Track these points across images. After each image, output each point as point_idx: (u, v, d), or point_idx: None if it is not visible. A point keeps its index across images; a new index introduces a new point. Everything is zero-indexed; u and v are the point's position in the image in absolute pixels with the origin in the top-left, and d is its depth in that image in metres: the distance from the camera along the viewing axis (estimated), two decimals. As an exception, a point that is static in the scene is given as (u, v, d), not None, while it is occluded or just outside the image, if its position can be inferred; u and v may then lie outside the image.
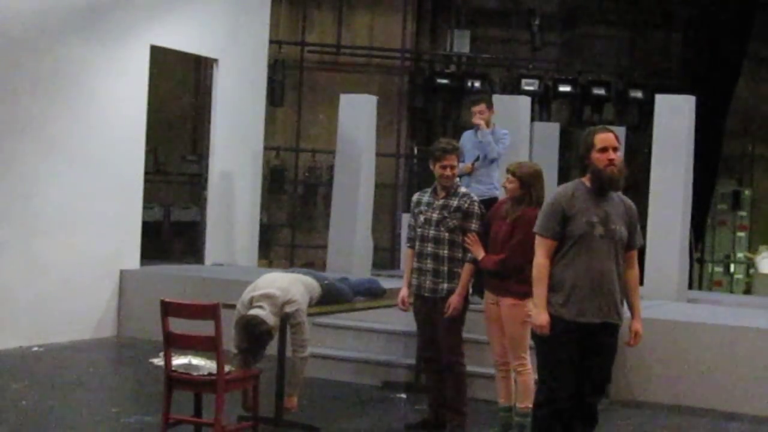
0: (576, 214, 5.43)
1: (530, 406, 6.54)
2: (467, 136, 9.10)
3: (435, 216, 6.84)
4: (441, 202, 6.87)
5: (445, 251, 6.80)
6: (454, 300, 6.75)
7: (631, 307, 5.63)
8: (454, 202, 6.83)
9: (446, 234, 6.79)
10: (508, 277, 6.54)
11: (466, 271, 6.80)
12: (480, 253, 6.71)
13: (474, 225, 6.79)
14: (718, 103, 15.47)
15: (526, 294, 6.47)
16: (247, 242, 12.38)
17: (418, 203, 7.01)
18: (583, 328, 5.41)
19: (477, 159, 8.94)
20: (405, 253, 7.21)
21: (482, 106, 8.94)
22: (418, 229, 6.93)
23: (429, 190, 7.04)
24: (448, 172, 6.84)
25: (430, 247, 6.84)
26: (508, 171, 6.73)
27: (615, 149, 5.42)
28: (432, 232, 6.84)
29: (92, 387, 8.32)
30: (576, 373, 5.45)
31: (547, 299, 5.45)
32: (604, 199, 5.47)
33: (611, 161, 5.41)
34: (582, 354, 5.44)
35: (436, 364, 6.94)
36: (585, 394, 5.49)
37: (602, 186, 5.46)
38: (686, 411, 8.09)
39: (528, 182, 6.62)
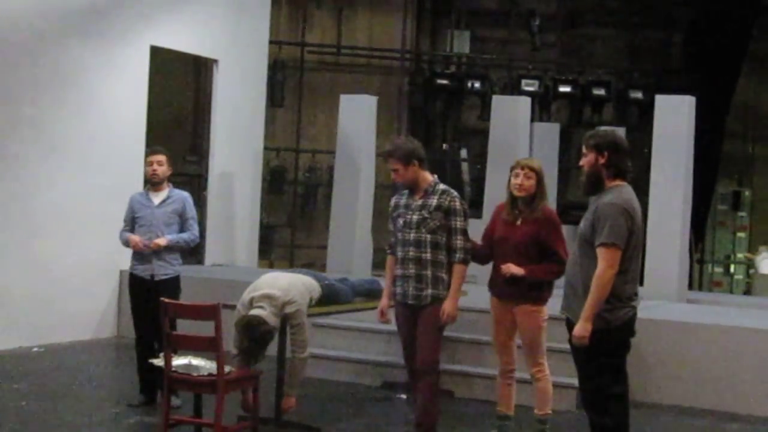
0: None
1: (549, 412, 6.56)
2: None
3: (414, 218, 6.36)
4: (419, 202, 6.39)
5: (428, 254, 6.31)
6: (448, 306, 6.29)
7: None
8: (433, 201, 6.36)
9: (427, 236, 6.31)
10: (525, 284, 6.37)
11: (458, 273, 6.34)
12: (519, 271, 6.32)
13: (459, 223, 6.34)
14: (718, 103, 15.46)
15: (541, 299, 6.47)
16: (247, 242, 12.37)
17: (396, 207, 6.53)
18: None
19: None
20: (387, 261, 6.66)
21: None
22: (398, 234, 6.45)
23: (406, 192, 6.52)
24: (393, 175, 6.55)
25: (411, 252, 6.34)
26: (523, 168, 6.41)
27: (583, 155, 5.45)
28: (412, 235, 6.34)
29: (92, 387, 8.31)
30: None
31: None
32: (595, 199, 5.45)
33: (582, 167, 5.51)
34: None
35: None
36: None
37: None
38: (686, 411, 8.09)
39: (541, 176, 6.45)
